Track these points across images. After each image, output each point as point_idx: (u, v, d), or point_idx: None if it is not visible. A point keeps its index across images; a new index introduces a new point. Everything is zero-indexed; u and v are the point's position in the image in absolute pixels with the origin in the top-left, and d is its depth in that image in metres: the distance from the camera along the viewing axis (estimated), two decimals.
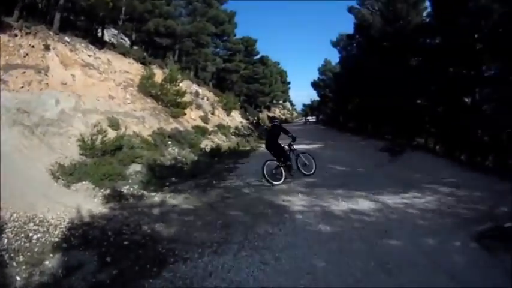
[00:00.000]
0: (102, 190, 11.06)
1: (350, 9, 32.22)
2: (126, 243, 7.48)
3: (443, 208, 9.56)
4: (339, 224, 8.43)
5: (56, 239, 7.52)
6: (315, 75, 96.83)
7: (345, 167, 15.63)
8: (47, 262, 6.66)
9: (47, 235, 7.65)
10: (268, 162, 12.93)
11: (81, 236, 7.69)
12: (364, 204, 9.98)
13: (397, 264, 6.37)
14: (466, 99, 20.39)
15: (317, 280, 5.89)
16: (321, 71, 64.87)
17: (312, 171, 14.06)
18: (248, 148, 23.83)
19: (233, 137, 29.92)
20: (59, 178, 10.81)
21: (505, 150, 17.65)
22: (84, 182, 11.17)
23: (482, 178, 12.88)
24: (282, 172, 13.16)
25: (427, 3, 25.44)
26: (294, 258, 6.61)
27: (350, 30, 37.09)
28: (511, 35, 16.30)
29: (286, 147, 13.93)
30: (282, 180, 12.93)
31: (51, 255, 6.88)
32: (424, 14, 26.17)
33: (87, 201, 10.08)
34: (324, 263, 6.45)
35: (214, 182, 13.13)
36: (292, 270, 6.18)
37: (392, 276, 6.01)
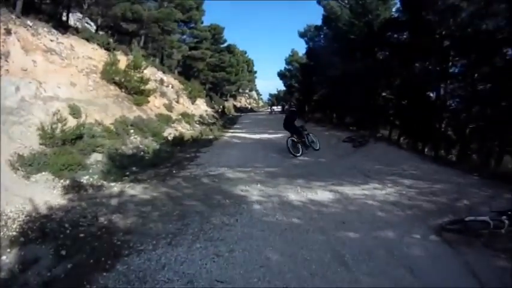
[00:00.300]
0: (61, 181, 10.84)
1: (319, 1, 32.23)
2: (82, 235, 7.40)
3: (404, 200, 9.66)
4: (297, 215, 8.45)
5: (14, 233, 7.40)
6: (281, 65, 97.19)
7: (307, 157, 15.65)
8: (4, 257, 6.57)
9: (5, 229, 7.52)
10: (289, 139, 16.40)
11: (38, 229, 7.57)
12: (323, 195, 10.01)
13: (354, 257, 6.41)
14: (431, 94, 20.74)
15: (271, 273, 5.88)
16: (288, 61, 64.87)
17: (318, 147, 17.42)
18: (211, 137, 23.67)
19: (197, 125, 29.75)
20: (18, 169, 10.52)
21: (468, 144, 18.01)
22: (43, 173, 10.93)
23: (445, 171, 13.06)
24: (299, 147, 16.48)
25: None
26: (249, 250, 6.60)
27: (318, 21, 37.26)
28: (478, 34, 16.65)
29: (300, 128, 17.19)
30: (300, 153, 16.20)
31: (8, 250, 6.78)
32: (393, 9, 26.46)
33: (46, 193, 9.90)
34: (278, 255, 6.45)
35: (174, 171, 13.06)
36: (245, 263, 6.16)
37: (349, 269, 6.04)
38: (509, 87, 15.41)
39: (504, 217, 7.04)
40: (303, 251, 6.57)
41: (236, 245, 6.80)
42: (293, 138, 16.54)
